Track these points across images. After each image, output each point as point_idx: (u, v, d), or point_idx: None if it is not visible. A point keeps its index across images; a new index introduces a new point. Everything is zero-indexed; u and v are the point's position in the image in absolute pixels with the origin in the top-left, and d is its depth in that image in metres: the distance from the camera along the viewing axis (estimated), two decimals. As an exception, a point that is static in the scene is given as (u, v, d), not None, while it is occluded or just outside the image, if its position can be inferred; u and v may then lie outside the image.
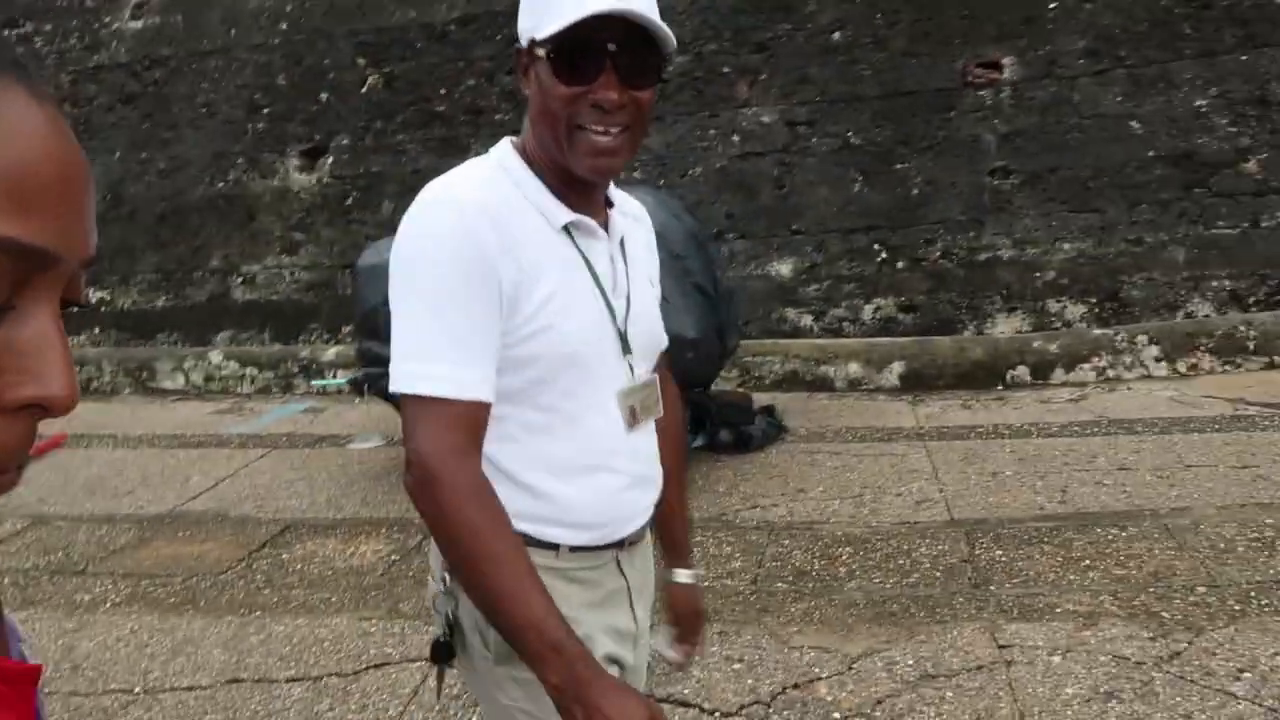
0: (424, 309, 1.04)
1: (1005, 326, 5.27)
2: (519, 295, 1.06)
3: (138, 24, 7.89)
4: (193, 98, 7.54)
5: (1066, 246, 5.39)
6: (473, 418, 1.04)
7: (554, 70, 1.04)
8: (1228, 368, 4.31)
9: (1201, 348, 4.36)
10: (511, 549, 1.02)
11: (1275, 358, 4.31)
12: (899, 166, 5.85)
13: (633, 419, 1.17)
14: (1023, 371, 4.56)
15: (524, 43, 1.08)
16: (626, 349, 1.17)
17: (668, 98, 6.45)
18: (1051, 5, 5.92)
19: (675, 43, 1.09)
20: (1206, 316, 4.71)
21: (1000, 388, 4.54)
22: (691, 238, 3.79)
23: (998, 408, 4.20)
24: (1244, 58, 5.55)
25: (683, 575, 1.34)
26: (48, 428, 1.85)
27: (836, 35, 6.25)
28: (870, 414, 4.29)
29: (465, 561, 1.02)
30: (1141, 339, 4.49)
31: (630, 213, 1.25)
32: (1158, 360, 4.41)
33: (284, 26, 7.40)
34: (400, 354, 1.05)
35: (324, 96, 7.18)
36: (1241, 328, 4.35)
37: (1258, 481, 3.10)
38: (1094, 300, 5.24)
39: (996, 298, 5.39)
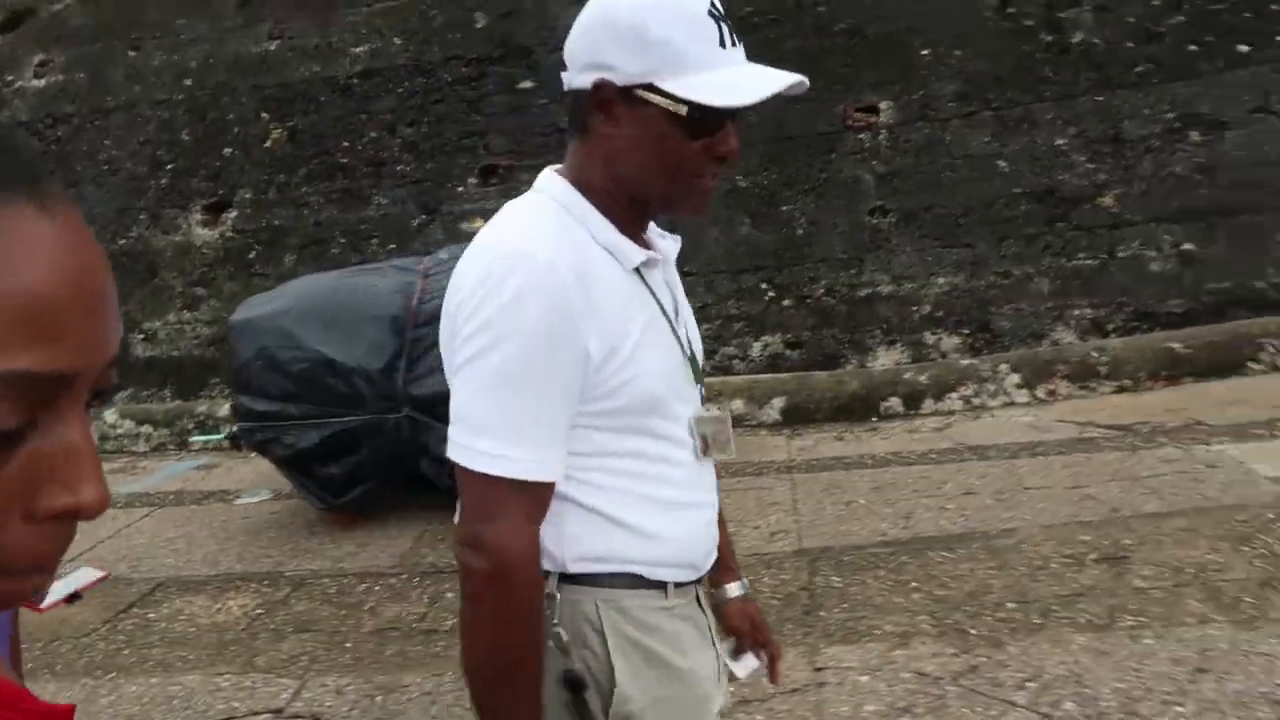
0: (506, 381, 0.97)
1: (886, 359, 5.47)
2: (605, 353, 1.01)
3: (40, 82, 7.88)
4: (95, 154, 7.54)
5: (941, 281, 5.63)
6: (545, 502, 1.02)
7: (683, 126, 1.00)
8: (1083, 392, 4.55)
9: (1058, 374, 4.59)
10: (539, 674, 1.02)
11: (1125, 382, 4.55)
12: (784, 208, 6.08)
13: (705, 447, 1.14)
14: (895, 403, 4.75)
15: (620, 80, 1.00)
16: (697, 377, 1.16)
17: (564, 145, 6.62)
18: (924, 52, 6.24)
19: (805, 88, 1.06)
20: (1070, 344, 4.95)
21: (874, 419, 4.72)
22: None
23: (868, 439, 4.38)
24: (1099, 99, 5.89)
25: (734, 589, 1.34)
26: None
27: (724, 83, 6.49)
28: (750, 449, 4.43)
29: (505, 670, 0.99)
30: (1004, 367, 4.72)
31: (657, 232, 1.19)
32: (1019, 387, 4.63)
33: (188, 82, 7.45)
34: (475, 427, 0.98)
35: (227, 151, 7.23)
36: (1094, 354, 4.59)
37: (1085, 501, 3.29)
38: (967, 331, 5.47)
39: (877, 331, 5.60)
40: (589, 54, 1.02)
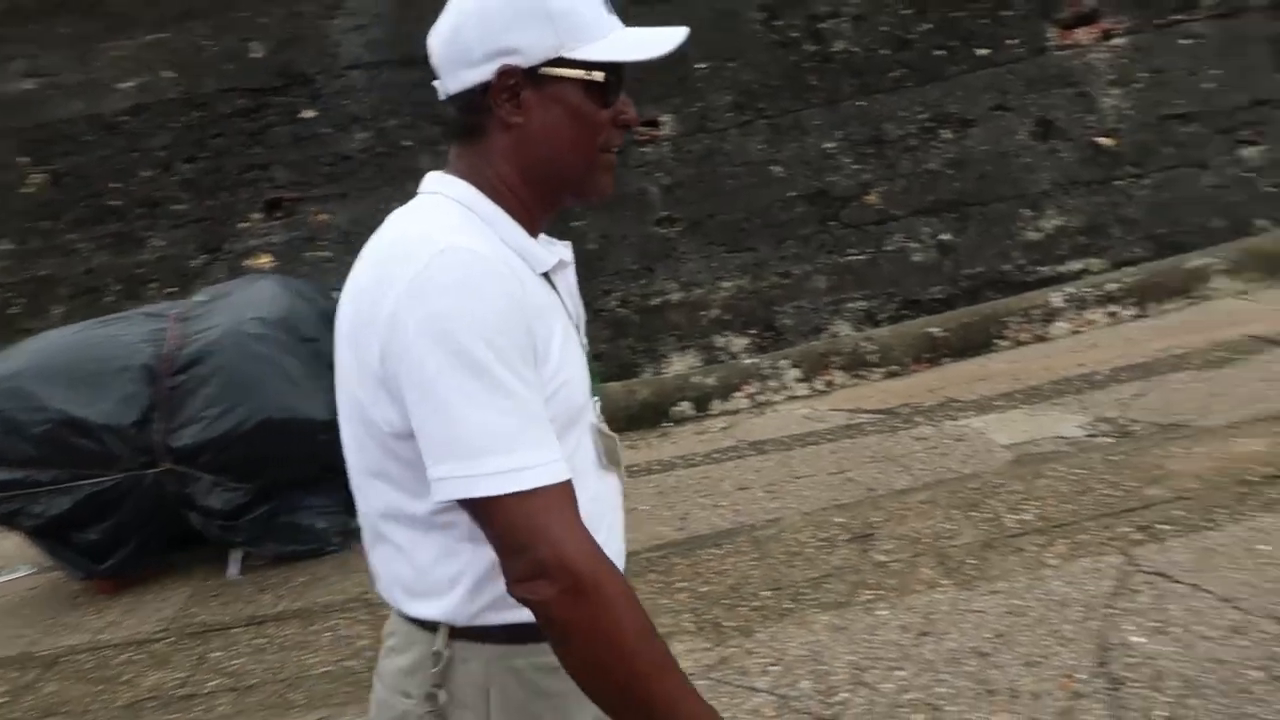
0: (489, 391, 0.85)
1: (679, 365, 5.62)
2: (542, 355, 0.92)
3: None
4: None
5: (727, 284, 5.83)
6: (575, 499, 0.90)
7: (590, 92, 0.95)
8: (856, 380, 4.80)
9: (833, 365, 4.83)
10: (668, 649, 0.90)
11: (893, 367, 4.84)
12: (576, 224, 6.14)
13: (605, 459, 1.05)
14: (686, 407, 4.88)
15: (525, 61, 0.94)
16: (594, 388, 1.06)
17: (351, 174, 6.49)
18: (700, 65, 6.45)
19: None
20: (844, 336, 5.22)
21: (667, 424, 4.83)
22: (325, 319, 3.82)
23: (659, 444, 4.47)
24: (861, 103, 6.26)
25: None
26: None
27: (510, 104, 6.52)
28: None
29: (639, 669, 0.86)
30: (784, 363, 4.93)
31: (546, 239, 1.09)
32: (799, 381, 4.85)
33: (-69, 130, 6.83)
34: (472, 450, 0.85)
35: (-18, 201, 6.67)
36: (864, 344, 4.86)
37: (845, 484, 3.48)
38: (754, 331, 5.69)
39: (669, 339, 5.74)
40: (485, 43, 0.95)
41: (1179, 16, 6.31)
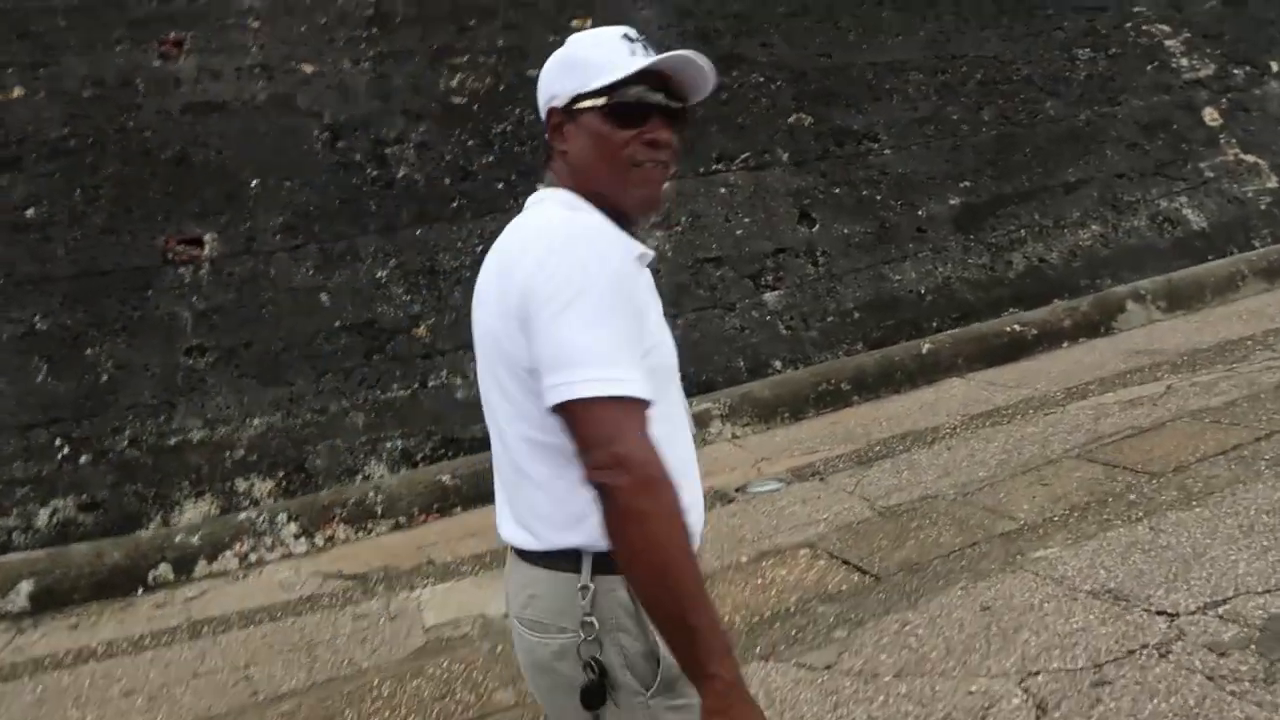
0: (597, 319, 1.09)
1: (194, 513, 5.11)
2: (644, 315, 1.17)
3: None
4: None
5: (257, 422, 5.43)
6: (648, 421, 1.10)
7: (608, 118, 1.23)
8: (360, 535, 4.55)
9: (336, 518, 4.56)
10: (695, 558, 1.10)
11: (400, 519, 4.65)
12: (89, 351, 5.51)
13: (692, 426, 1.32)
14: (166, 570, 4.39)
15: (560, 103, 1.27)
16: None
17: None
18: (254, 183, 6.11)
19: (710, 88, 1.29)
20: (351, 484, 4.98)
21: (142, 591, 4.30)
22: None
23: (102, 624, 3.94)
24: (418, 232, 6.18)
25: None
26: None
27: (30, 212, 5.81)
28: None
29: (673, 563, 1.05)
30: (281, 517, 4.59)
31: None
32: (298, 537, 4.53)
33: None
34: (577, 363, 1.08)
35: None
36: (371, 493, 4.63)
37: (235, 686, 3.16)
38: (282, 474, 5.32)
39: (186, 483, 5.23)
40: (544, 92, 1.30)
41: (719, 167, 6.85)
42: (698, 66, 1.27)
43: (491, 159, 6.58)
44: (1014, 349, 5.62)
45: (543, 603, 1.21)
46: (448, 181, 6.43)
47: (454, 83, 6.87)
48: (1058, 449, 3.89)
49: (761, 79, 7.36)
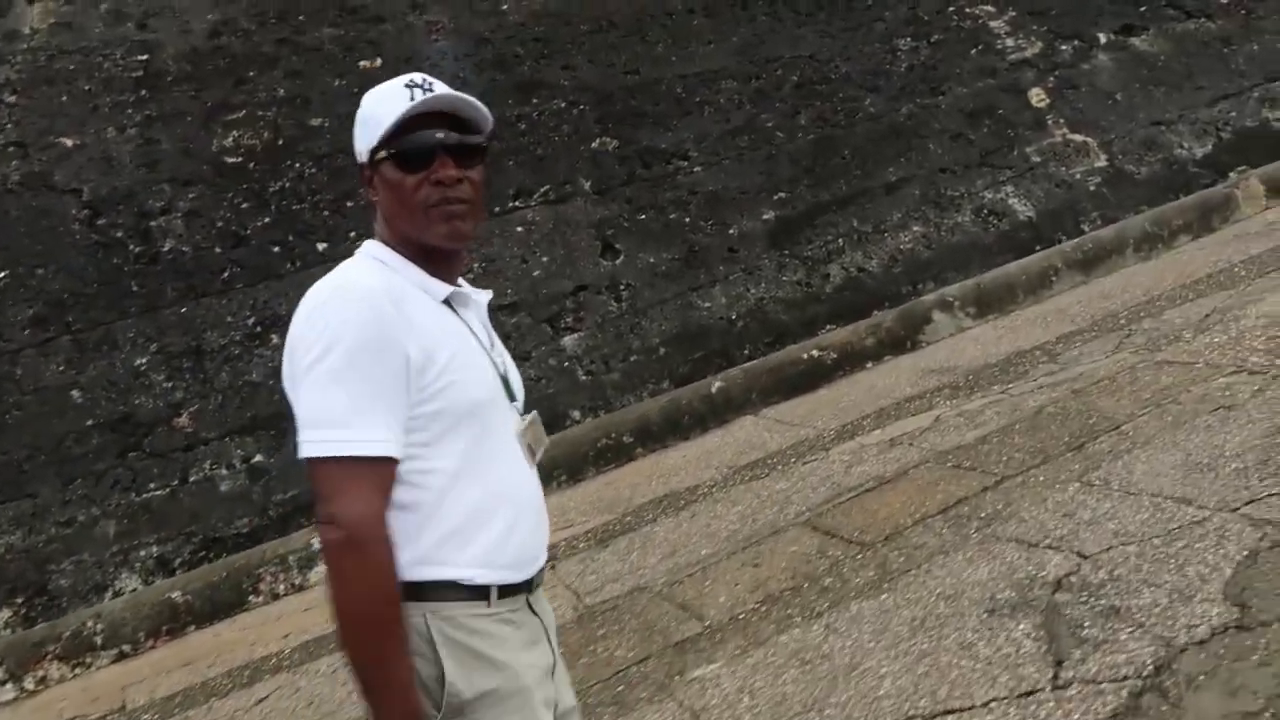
0: (335, 379, 1.19)
1: (-83, 656, 4.62)
2: (425, 360, 1.24)
3: None
4: None
5: (-6, 544, 4.96)
6: (387, 476, 1.21)
7: (396, 165, 1.33)
8: (77, 671, 4.11)
9: (49, 655, 4.11)
10: (402, 620, 1.20)
11: (125, 647, 4.21)
12: None
13: (531, 456, 1.40)
14: None
15: (364, 158, 1.38)
16: (511, 396, 1.42)
17: None
18: (0, 274, 5.63)
19: (491, 122, 1.40)
20: (65, 617, 4.53)
21: None
22: None
23: None
24: (184, 310, 5.73)
25: None
26: None
27: None
28: None
29: (365, 623, 1.16)
30: (-12, 658, 4.13)
31: (469, 286, 1.47)
32: (4, 682, 4.06)
33: None
34: (314, 422, 1.19)
35: None
36: (90, 622, 4.19)
37: None
38: (21, 600, 4.85)
39: (-94, 623, 4.74)
40: (355, 148, 1.41)
41: (516, 204, 6.46)
42: (466, 101, 1.36)
43: (267, 220, 6.15)
44: (813, 377, 5.30)
45: None
46: (218, 250, 5.99)
47: (228, 141, 6.42)
48: (792, 513, 3.55)
49: (563, 104, 6.98)
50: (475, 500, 1.27)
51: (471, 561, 1.27)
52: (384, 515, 1.20)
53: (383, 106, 1.34)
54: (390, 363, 1.22)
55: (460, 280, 1.46)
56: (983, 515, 3.06)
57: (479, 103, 1.39)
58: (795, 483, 3.86)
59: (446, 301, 1.37)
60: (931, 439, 3.90)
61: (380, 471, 1.20)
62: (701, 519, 3.78)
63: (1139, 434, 3.35)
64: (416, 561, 1.23)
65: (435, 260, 1.37)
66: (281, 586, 4.53)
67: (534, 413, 1.48)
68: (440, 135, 1.33)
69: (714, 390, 5.19)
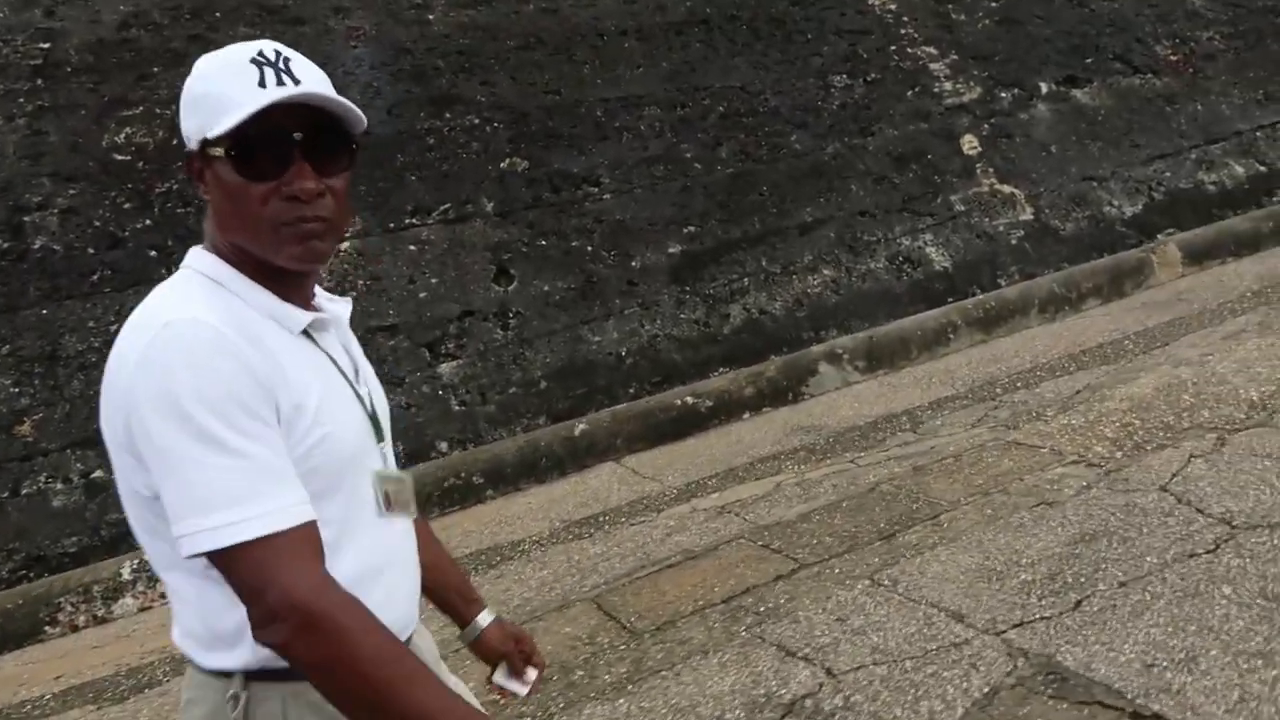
0: (210, 448, 0.94)
1: None
2: (292, 413, 1.00)
3: None
4: None
5: None
6: (314, 541, 0.98)
7: (236, 168, 1.02)
8: None
9: None
10: (419, 664, 1.00)
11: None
12: None
13: (388, 503, 1.13)
14: None
15: (193, 145, 1.07)
16: (380, 435, 1.16)
17: None
18: None
19: (365, 123, 1.09)
20: None
21: None
22: None
23: None
24: (44, 311, 5.49)
25: (485, 617, 1.40)
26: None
27: None
28: None
29: (384, 690, 0.92)
30: None
31: (326, 296, 1.19)
32: None
33: None
34: (201, 508, 0.93)
35: None
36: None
37: None
38: None
39: None
40: (182, 128, 1.08)
41: (412, 221, 6.24)
42: (332, 99, 1.06)
43: (148, 223, 5.91)
44: (685, 425, 5.08)
45: (196, 710, 1.08)
46: (91, 251, 5.75)
47: (120, 138, 6.19)
48: (589, 585, 3.33)
49: (477, 121, 6.77)
50: (350, 572, 1.03)
51: None
52: (331, 579, 0.97)
53: (223, 85, 1.03)
54: (266, 416, 0.98)
55: (318, 294, 1.19)
56: (761, 610, 2.84)
57: (348, 102, 1.08)
58: (611, 548, 3.64)
59: (305, 331, 1.11)
60: (760, 510, 3.69)
61: (301, 537, 0.96)
62: (506, 582, 3.55)
63: (953, 527, 3.14)
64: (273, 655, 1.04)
65: (286, 279, 1.09)
66: (82, 618, 4.29)
67: (408, 475, 1.22)
68: (299, 135, 1.03)
69: (577, 433, 4.97)
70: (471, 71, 7.03)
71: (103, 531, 4.96)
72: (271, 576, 0.93)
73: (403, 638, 1.14)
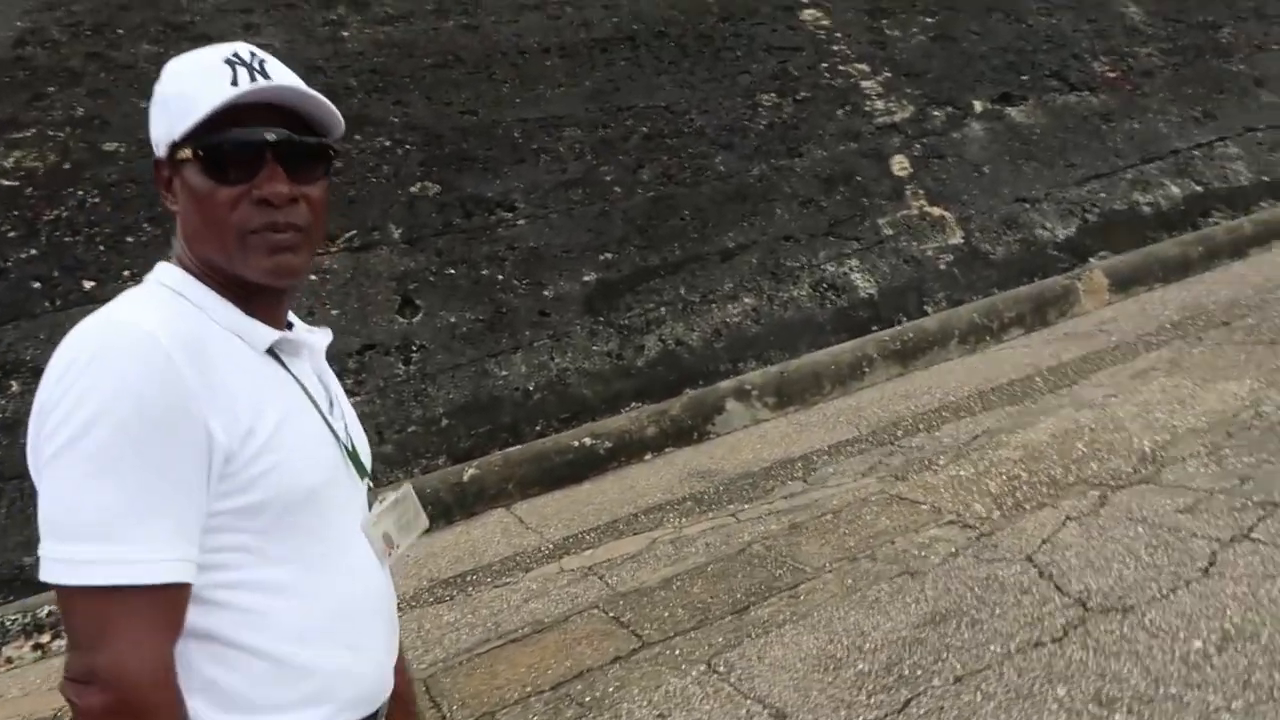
0: (102, 469, 0.82)
1: None
2: (234, 441, 0.89)
3: None
4: None
5: None
6: (179, 609, 0.86)
7: (205, 171, 0.96)
8: None
9: None
10: None
11: None
12: None
13: (388, 548, 1.06)
14: None
15: (161, 152, 1.01)
16: (362, 472, 1.08)
17: None
18: None
19: (343, 126, 1.03)
20: None
21: None
22: None
23: None
24: (-84, 349, 5.22)
25: None
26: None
27: None
28: None
29: None
30: None
31: (304, 325, 1.13)
32: None
33: None
34: (69, 532, 0.82)
35: None
36: None
37: None
38: None
39: None
40: (151, 136, 1.02)
41: (319, 251, 5.99)
42: (311, 97, 0.99)
43: (34, 252, 5.65)
44: (583, 467, 4.87)
45: None
46: (-31, 284, 5.48)
47: (8, 162, 5.93)
48: (427, 661, 3.11)
49: (388, 143, 6.55)
50: (306, 623, 0.93)
51: (298, 703, 0.92)
52: (171, 666, 0.85)
53: (194, 85, 0.98)
54: (182, 443, 0.86)
55: (292, 318, 1.10)
56: (587, 699, 2.62)
57: (326, 99, 1.01)
58: (465, 615, 3.41)
59: (271, 350, 1.01)
60: (624, 573, 3.47)
61: (166, 601, 0.85)
62: (349, 653, 3.31)
63: (808, 600, 2.93)
64: (220, 710, 0.89)
65: (256, 296, 1.01)
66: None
67: (406, 486, 1.14)
68: (270, 136, 0.96)
69: (466, 478, 4.74)
70: (385, 91, 6.80)
71: (-32, 583, 4.70)
72: (106, 635, 0.82)
73: (366, 710, 1.01)
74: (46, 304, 5.52)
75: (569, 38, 7.34)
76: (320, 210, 1.02)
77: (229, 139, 0.96)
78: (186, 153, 0.98)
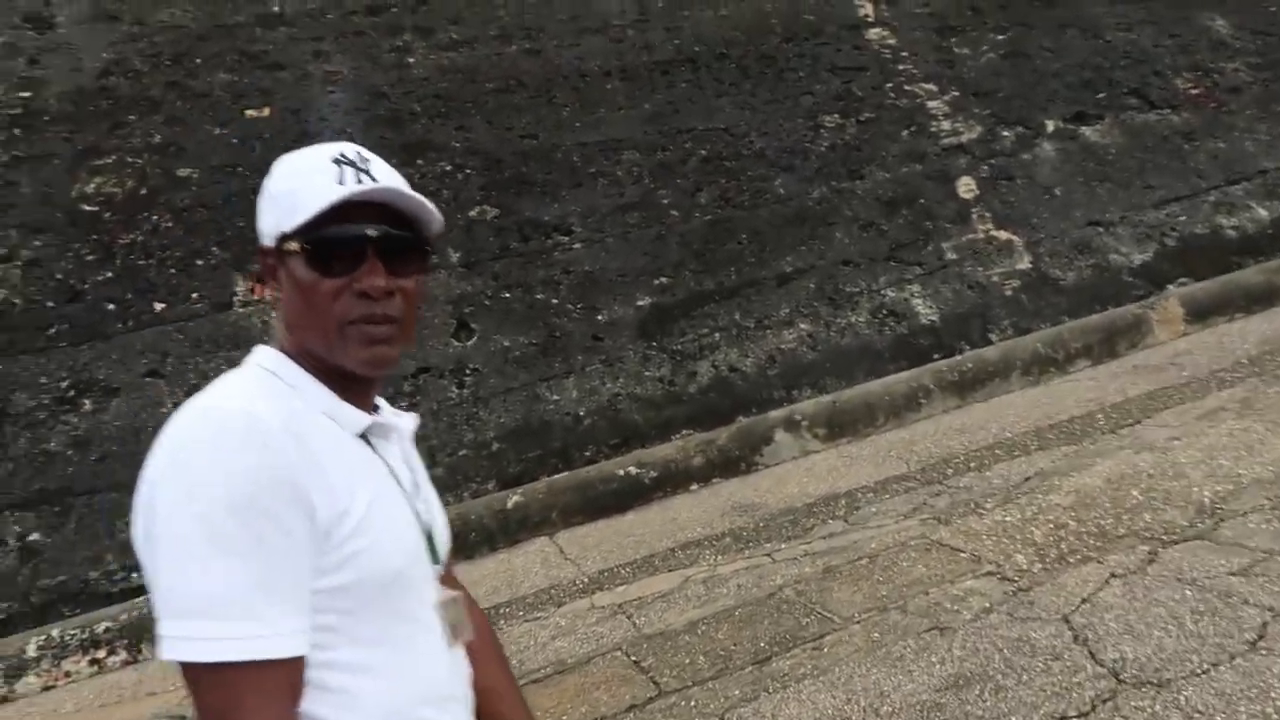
0: (215, 546, 0.85)
1: None
2: (332, 519, 0.92)
3: None
4: None
5: None
6: (300, 679, 0.90)
7: (310, 263, 1.01)
8: None
9: None
10: None
11: None
12: None
13: (454, 635, 1.08)
14: None
15: (269, 242, 1.05)
16: (435, 557, 1.10)
17: None
18: None
19: (442, 223, 1.09)
20: None
21: None
22: None
23: None
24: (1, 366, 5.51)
25: None
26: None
27: None
28: None
29: None
30: None
31: (390, 408, 1.16)
32: None
33: None
34: (188, 610, 0.85)
35: None
36: None
37: None
38: None
39: None
40: (259, 227, 1.08)
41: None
42: (411, 197, 1.06)
43: (109, 275, 5.91)
44: (627, 496, 4.85)
45: None
46: (50, 305, 5.77)
47: (90, 188, 6.22)
48: (451, 698, 3.10)
49: (449, 167, 6.66)
50: (395, 703, 0.96)
51: None
52: None
53: (303, 182, 1.04)
54: (291, 521, 0.90)
55: (380, 402, 1.15)
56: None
57: (425, 199, 1.08)
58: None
59: (363, 435, 1.07)
60: (653, 613, 3.44)
61: (291, 673, 0.89)
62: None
63: (831, 654, 2.85)
64: None
65: (350, 382, 1.06)
66: (-13, 694, 4.22)
67: (458, 593, 1.16)
68: (373, 232, 1.02)
69: (510, 505, 4.77)
70: (448, 116, 6.92)
71: (34, 598, 4.91)
72: (246, 711, 0.85)
73: None
74: (119, 325, 5.75)
75: (630, 60, 7.36)
76: (414, 302, 1.07)
77: (334, 234, 1.02)
78: (294, 245, 1.02)
